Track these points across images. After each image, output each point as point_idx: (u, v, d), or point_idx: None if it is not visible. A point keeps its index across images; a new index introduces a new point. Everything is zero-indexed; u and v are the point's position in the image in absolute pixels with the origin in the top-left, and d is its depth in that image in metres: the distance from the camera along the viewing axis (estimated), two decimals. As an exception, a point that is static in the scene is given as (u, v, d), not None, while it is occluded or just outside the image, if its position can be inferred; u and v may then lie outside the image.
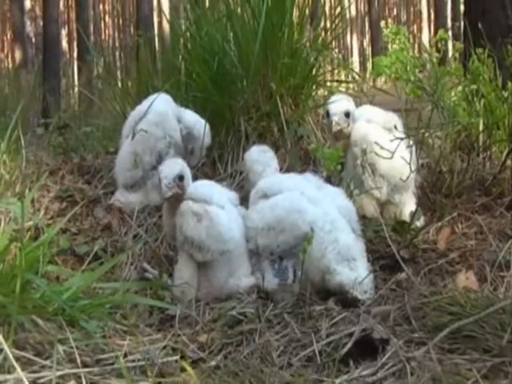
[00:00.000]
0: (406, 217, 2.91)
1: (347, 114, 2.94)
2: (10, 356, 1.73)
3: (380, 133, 2.97)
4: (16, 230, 2.54)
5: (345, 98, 3.08)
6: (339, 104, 2.98)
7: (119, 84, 4.71)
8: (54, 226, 2.83)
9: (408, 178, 2.89)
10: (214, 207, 2.60)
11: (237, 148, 3.30)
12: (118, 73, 6.83)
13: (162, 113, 3.22)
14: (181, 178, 2.60)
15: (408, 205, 2.98)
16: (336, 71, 4.85)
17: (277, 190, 2.62)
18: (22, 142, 3.40)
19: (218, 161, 3.44)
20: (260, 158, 2.84)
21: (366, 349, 2.04)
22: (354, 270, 2.44)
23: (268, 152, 2.88)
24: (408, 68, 3.14)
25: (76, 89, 12.37)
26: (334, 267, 2.42)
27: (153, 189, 3.06)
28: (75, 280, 2.31)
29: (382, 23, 3.56)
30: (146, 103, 3.26)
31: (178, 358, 2.03)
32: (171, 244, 2.86)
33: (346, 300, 2.40)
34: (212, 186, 2.77)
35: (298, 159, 3.37)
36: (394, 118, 3.07)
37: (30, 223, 2.92)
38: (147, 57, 4.27)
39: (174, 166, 2.65)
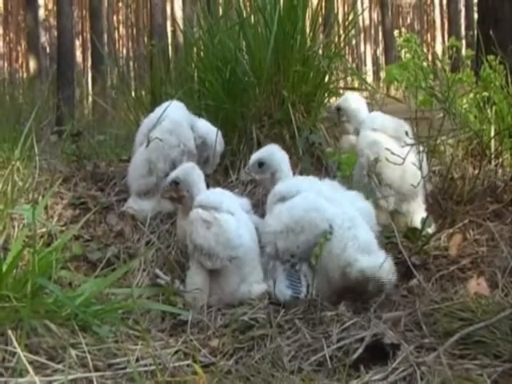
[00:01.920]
0: (417, 225, 2.91)
1: (338, 109, 3.03)
2: (24, 359, 1.75)
3: (387, 141, 2.98)
4: (29, 236, 2.57)
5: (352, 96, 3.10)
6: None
7: (133, 93, 4.75)
8: (67, 232, 2.87)
9: (417, 186, 2.90)
10: (223, 214, 2.63)
11: (249, 155, 3.29)
12: (132, 82, 6.87)
13: (177, 121, 3.24)
14: (175, 183, 2.73)
15: (417, 213, 2.98)
16: (349, 80, 4.86)
17: (295, 191, 2.64)
18: (36, 149, 3.42)
19: (231, 168, 3.46)
20: (284, 156, 2.87)
21: (377, 354, 2.04)
22: (374, 258, 2.46)
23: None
24: (419, 76, 3.15)
25: (90, 98, 12.45)
26: (354, 258, 2.43)
27: None
28: (88, 286, 2.33)
29: (396, 32, 3.57)
30: (159, 110, 3.29)
31: (189, 362, 2.05)
32: (183, 250, 2.89)
33: (367, 291, 2.43)
34: (222, 193, 2.79)
35: (310, 166, 3.37)
36: (403, 126, 3.08)
37: (44, 230, 2.97)
38: (161, 66, 4.29)
39: (176, 170, 2.81)
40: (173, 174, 2.77)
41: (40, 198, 3.24)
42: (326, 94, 3.80)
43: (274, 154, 2.86)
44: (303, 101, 3.63)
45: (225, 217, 2.62)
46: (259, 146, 3.40)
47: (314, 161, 3.48)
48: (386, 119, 3.12)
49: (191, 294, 2.58)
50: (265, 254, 2.64)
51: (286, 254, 2.56)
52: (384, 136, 3.01)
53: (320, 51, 3.86)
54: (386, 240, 2.77)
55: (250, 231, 2.67)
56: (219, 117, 3.47)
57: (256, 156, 2.89)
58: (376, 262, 2.41)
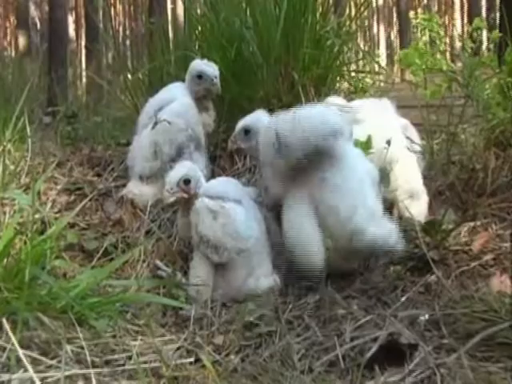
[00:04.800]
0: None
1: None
2: (21, 354, 1.75)
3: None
4: (21, 222, 2.57)
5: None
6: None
7: (130, 74, 4.73)
8: (62, 219, 2.85)
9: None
10: (230, 203, 2.63)
11: None
12: (129, 62, 6.85)
13: (186, 103, 3.26)
14: (186, 181, 2.66)
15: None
16: (361, 64, 4.85)
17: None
18: (28, 131, 3.42)
19: (236, 154, 3.42)
20: None
21: (393, 354, 2.03)
22: (382, 227, 2.48)
23: None
24: (438, 59, 3.14)
25: (84, 78, 12.42)
26: (364, 227, 2.44)
27: None
28: (84, 277, 2.33)
29: (411, 14, 3.56)
30: (165, 92, 3.33)
31: (192, 360, 2.04)
32: (186, 241, 2.88)
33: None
34: (228, 181, 2.81)
35: None
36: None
37: (36, 216, 2.94)
38: (160, 45, 4.28)
39: (180, 169, 2.72)
40: (179, 174, 2.69)
41: (32, 182, 3.23)
42: (338, 77, 3.78)
43: (260, 119, 2.82)
44: (314, 84, 3.62)
45: (232, 206, 2.63)
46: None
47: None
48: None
49: (194, 287, 2.59)
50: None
51: (294, 153, 2.49)
52: None
53: (332, 32, 3.84)
54: (403, 234, 2.77)
55: (259, 221, 2.66)
56: (224, 99, 3.47)
57: (241, 123, 2.87)
58: (385, 231, 2.45)
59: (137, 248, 2.85)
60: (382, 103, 3.19)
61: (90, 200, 3.20)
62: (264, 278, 2.62)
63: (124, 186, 3.31)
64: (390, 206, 2.98)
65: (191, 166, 2.75)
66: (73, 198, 3.30)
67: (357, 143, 2.83)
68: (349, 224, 2.46)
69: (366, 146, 2.82)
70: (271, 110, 3.43)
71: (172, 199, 2.65)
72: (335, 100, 3.19)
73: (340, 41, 3.72)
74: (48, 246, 2.33)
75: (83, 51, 18.36)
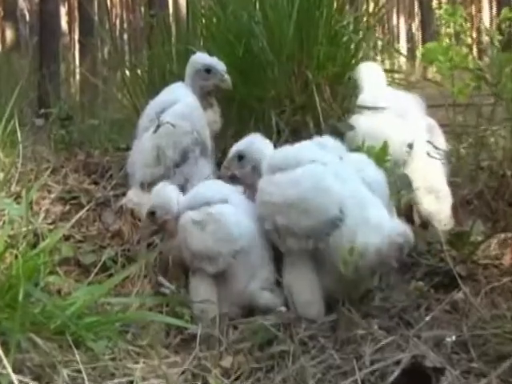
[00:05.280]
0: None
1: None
2: (14, 379, 1.75)
3: None
4: (12, 235, 2.59)
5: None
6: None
7: (128, 70, 4.75)
8: (56, 231, 2.88)
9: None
10: (216, 206, 2.68)
11: None
12: (127, 57, 6.87)
13: (191, 105, 3.27)
14: (152, 213, 2.79)
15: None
16: (379, 59, 4.86)
17: (294, 162, 2.62)
18: (19, 134, 3.43)
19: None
20: (267, 147, 2.86)
21: (417, 379, 2.04)
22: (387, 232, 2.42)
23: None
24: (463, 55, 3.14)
25: (77, 75, 12.45)
26: (365, 246, 2.40)
27: None
28: (80, 294, 2.36)
29: (435, 3, 3.58)
30: (168, 93, 3.34)
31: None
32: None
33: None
34: (211, 184, 2.89)
35: None
36: None
37: (28, 228, 2.95)
38: (161, 39, 4.30)
39: (148, 201, 2.84)
40: (146, 208, 2.81)
41: (24, 191, 3.24)
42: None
43: (255, 144, 2.86)
44: (330, 83, 3.63)
45: (219, 208, 2.68)
46: (279, 134, 3.41)
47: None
48: None
49: (199, 306, 2.60)
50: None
51: (286, 231, 2.54)
52: None
53: (349, 26, 3.85)
54: (427, 247, 2.78)
55: (251, 216, 2.69)
56: (233, 100, 3.49)
57: (235, 148, 2.90)
58: (389, 231, 2.39)
59: (138, 262, 2.85)
60: (413, 98, 3.23)
61: (87, 210, 3.20)
62: (267, 284, 2.65)
63: (123, 194, 3.33)
64: (408, 208, 2.99)
65: (158, 193, 2.82)
66: (68, 207, 3.31)
67: (371, 151, 2.85)
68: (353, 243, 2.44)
69: (381, 154, 2.83)
70: (283, 112, 3.46)
71: (146, 233, 2.86)
72: (371, 65, 3.21)
73: (358, 36, 3.71)
74: (41, 261, 2.36)
75: (77, 46, 18.40)
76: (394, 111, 3.20)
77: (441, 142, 3.19)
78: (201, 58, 3.36)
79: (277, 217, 2.54)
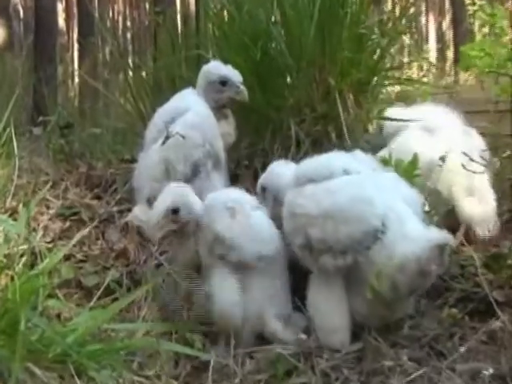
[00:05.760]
0: None
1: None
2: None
3: None
4: (8, 254, 2.61)
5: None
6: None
7: (132, 73, 4.76)
8: (56, 250, 2.88)
9: None
10: (248, 207, 2.74)
11: (285, 157, 3.29)
12: (131, 59, 6.90)
13: (203, 114, 3.27)
14: (175, 211, 2.71)
15: None
16: (406, 61, 4.85)
17: (327, 172, 2.64)
18: (15, 144, 3.45)
19: (262, 172, 3.29)
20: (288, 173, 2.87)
21: (450, 414, 2.06)
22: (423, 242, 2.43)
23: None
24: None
25: (76, 78, 12.48)
26: (404, 252, 2.41)
27: None
28: (82, 319, 2.37)
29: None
30: (177, 100, 3.33)
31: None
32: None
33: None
34: (240, 191, 2.88)
35: None
36: None
37: (25, 247, 2.97)
38: (168, 40, 4.32)
39: (165, 197, 2.75)
40: (164, 204, 2.73)
41: (20, 206, 3.27)
42: (383, 82, 3.80)
43: (275, 173, 2.91)
44: (354, 90, 3.64)
45: (250, 209, 2.73)
46: (298, 146, 3.41)
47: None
48: None
49: (224, 307, 2.61)
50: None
51: (320, 245, 2.54)
52: None
53: (375, 28, 3.85)
54: (461, 270, 2.78)
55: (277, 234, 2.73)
56: (248, 108, 3.49)
57: (260, 180, 2.97)
58: (425, 238, 2.41)
59: (144, 285, 2.86)
60: (444, 110, 3.26)
61: (89, 227, 3.22)
62: (282, 320, 2.65)
63: (129, 210, 3.34)
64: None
65: (178, 191, 2.79)
66: (68, 224, 3.34)
67: (399, 165, 2.86)
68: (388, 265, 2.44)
69: (410, 168, 2.85)
70: (303, 121, 3.47)
71: (159, 235, 2.71)
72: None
73: (385, 39, 3.72)
74: (39, 283, 2.36)
75: (75, 45, 18.45)
76: (422, 127, 3.23)
77: (478, 145, 3.21)
78: (215, 68, 3.36)
79: (310, 230, 2.55)
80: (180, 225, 2.72)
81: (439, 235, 2.38)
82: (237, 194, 2.81)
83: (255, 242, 2.65)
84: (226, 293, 2.62)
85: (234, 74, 3.32)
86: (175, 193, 2.76)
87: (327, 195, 2.55)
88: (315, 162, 2.73)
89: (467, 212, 3.14)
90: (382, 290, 2.41)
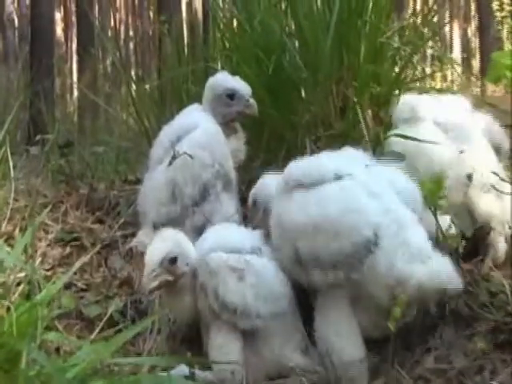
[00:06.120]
0: None
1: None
2: None
3: None
4: (3, 283, 2.64)
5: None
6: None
7: (135, 86, 4.77)
8: (55, 279, 2.90)
9: None
10: (251, 256, 2.68)
11: None
12: (134, 71, 6.94)
13: (211, 132, 3.25)
14: (173, 260, 2.64)
15: None
16: (429, 71, 4.84)
17: (316, 176, 2.64)
18: (11, 165, 3.46)
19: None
20: None
21: None
22: (431, 265, 2.46)
23: None
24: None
25: (75, 92, 12.55)
26: (406, 273, 2.43)
27: (193, 231, 3.06)
28: (83, 353, 2.35)
29: (495, 4, 3.62)
30: (184, 117, 3.34)
31: None
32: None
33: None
34: (233, 228, 2.88)
35: None
36: None
37: (22, 275, 2.99)
38: (173, 50, 4.33)
39: (161, 244, 2.68)
40: (161, 251, 2.64)
41: (17, 230, 3.28)
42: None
43: (265, 187, 2.93)
44: (375, 106, 3.64)
45: (256, 259, 2.67)
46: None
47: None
48: None
49: (226, 369, 2.59)
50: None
51: (309, 258, 2.54)
52: None
53: (397, 36, 3.86)
54: (490, 298, 2.78)
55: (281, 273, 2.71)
56: (260, 125, 3.52)
57: (251, 192, 2.99)
58: (435, 269, 2.43)
59: (150, 316, 2.88)
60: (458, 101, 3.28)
61: (91, 253, 3.22)
62: (300, 351, 2.65)
63: (133, 235, 3.34)
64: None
65: (176, 238, 2.73)
66: (68, 250, 3.35)
67: (423, 185, 2.87)
68: (387, 277, 2.47)
69: (435, 188, 2.85)
70: (319, 139, 3.47)
71: (153, 285, 2.61)
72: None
73: (407, 49, 3.72)
74: (38, 314, 2.35)
75: (74, 57, 18.58)
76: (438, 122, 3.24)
77: (501, 138, 3.22)
78: (222, 80, 3.36)
79: (299, 242, 2.56)
80: (176, 276, 2.65)
81: (448, 274, 2.42)
82: (236, 241, 2.74)
83: (269, 302, 2.62)
84: (227, 357, 2.59)
85: (242, 86, 3.32)
86: (173, 240, 2.70)
87: (317, 205, 2.55)
88: (305, 165, 2.72)
89: (484, 210, 3.14)
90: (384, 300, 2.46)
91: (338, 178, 2.60)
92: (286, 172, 2.73)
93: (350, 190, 2.57)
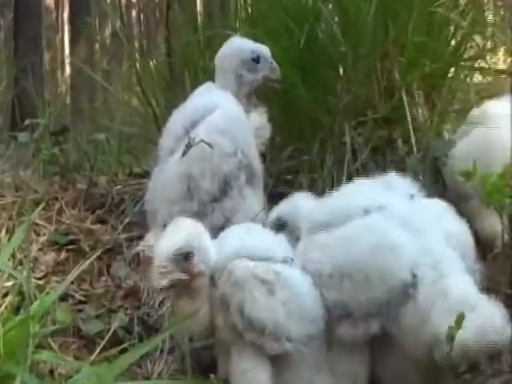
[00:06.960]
0: None
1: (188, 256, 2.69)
2: None
3: None
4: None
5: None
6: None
7: (139, 62, 4.75)
8: (49, 289, 2.92)
9: None
10: (282, 267, 2.62)
11: (339, 170, 3.29)
12: (137, 43, 6.94)
13: (232, 113, 3.22)
14: (188, 256, 2.56)
15: None
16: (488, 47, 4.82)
17: (343, 214, 2.63)
18: (-4, 154, 3.49)
19: (308, 189, 3.31)
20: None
21: None
22: (476, 317, 2.39)
23: None
24: None
25: (68, 68, 12.57)
26: (442, 330, 2.37)
27: (211, 232, 2.82)
28: (82, 376, 2.40)
29: None
30: (199, 98, 3.30)
31: None
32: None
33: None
34: (264, 232, 2.80)
35: (433, 189, 3.34)
36: None
37: (10, 284, 3.00)
38: (184, 19, 4.34)
39: (174, 236, 2.59)
40: (174, 244, 2.54)
41: (3, 232, 3.31)
42: (464, 77, 3.80)
43: (297, 208, 2.94)
44: (425, 87, 3.65)
45: (289, 271, 2.61)
46: (355, 155, 3.41)
47: (440, 184, 3.47)
48: None
49: None
50: None
51: (337, 309, 2.54)
52: None
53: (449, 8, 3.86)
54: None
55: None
56: (290, 109, 3.54)
57: (275, 212, 2.99)
58: (479, 324, 2.37)
59: (160, 333, 2.88)
60: None
61: (90, 259, 3.23)
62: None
63: (140, 238, 3.31)
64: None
65: (194, 229, 2.65)
66: (64, 255, 3.37)
67: (485, 179, 2.87)
68: (422, 331, 2.44)
69: (501, 184, 2.85)
70: (361, 125, 3.46)
71: (164, 283, 2.52)
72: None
73: (465, 20, 3.71)
74: (29, 330, 2.37)
75: (66, 27, 18.59)
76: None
77: None
78: (243, 43, 3.37)
79: (325, 292, 2.56)
80: (191, 275, 2.56)
81: (495, 327, 2.36)
82: (265, 246, 2.67)
83: (301, 323, 2.57)
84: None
85: (262, 47, 3.35)
86: (190, 231, 2.61)
87: (341, 247, 2.55)
88: (330, 204, 2.73)
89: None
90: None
91: (367, 212, 2.59)
92: (312, 212, 2.76)
93: (380, 225, 2.55)
